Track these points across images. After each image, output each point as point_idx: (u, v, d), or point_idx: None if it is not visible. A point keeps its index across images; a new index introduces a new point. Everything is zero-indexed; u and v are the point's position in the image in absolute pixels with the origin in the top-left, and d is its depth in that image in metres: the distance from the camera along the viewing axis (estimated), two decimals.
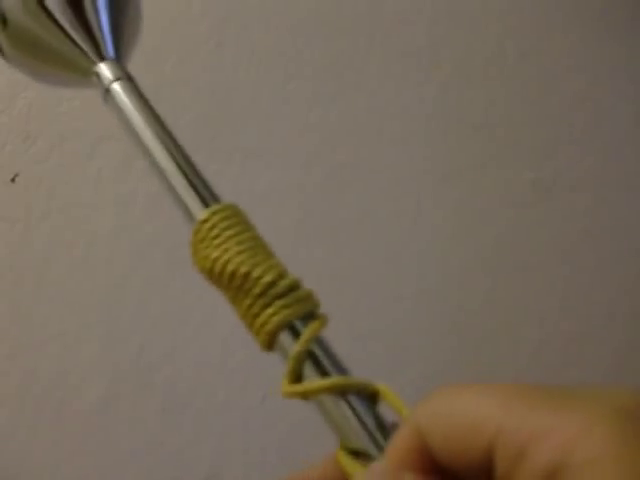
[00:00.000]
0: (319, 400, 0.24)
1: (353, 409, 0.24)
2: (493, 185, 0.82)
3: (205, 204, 0.29)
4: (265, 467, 0.68)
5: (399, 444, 0.21)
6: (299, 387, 0.24)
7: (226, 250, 0.27)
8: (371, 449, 0.23)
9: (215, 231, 0.27)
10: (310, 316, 0.27)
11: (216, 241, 0.27)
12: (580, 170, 0.85)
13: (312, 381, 0.25)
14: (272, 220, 0.75)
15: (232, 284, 0.26)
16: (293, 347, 0.25)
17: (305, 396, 0.24)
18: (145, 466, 0.67)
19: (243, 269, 0.26)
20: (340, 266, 0.75)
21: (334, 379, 0.25)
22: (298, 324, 0.26)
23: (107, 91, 0.33)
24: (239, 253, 0.27)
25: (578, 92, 0.87)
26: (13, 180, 0.67)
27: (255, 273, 0.26)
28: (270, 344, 0.26)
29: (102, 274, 0.67)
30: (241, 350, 0.70)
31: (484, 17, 0.86)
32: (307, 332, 0.25)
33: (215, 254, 0.27)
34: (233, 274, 0.26)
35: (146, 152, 0.31)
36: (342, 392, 0.24)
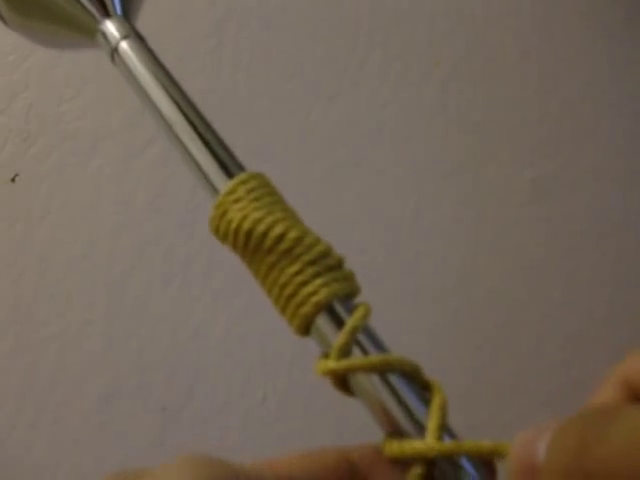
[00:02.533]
0: (365, 381, 0.22)
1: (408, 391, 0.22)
2: (493, 184, 0.82)
3: (231, 170, 0.26)
4: None
5: (604, 396, 0.20)
6: (355, 360, 0.22)
7: (270, 212, 0.24)
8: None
9: (254, 194, 0.25)
10: (351, 298, 0.25)
11: (257, 203, 0.24)
12: (580, 169, 0.85)
13: (367, 357, 0.22)
14: None
15: (277, 248, 0.23)
16: (343, 324, 0.23)
17: (355, 369, 0.22)
18: (145, 466, 0.67)
19: (293, 233, 0.24)
20: None
21: (391, 356, 0.22)
22: (339, 307, 0.24)
23: (114, 51, 0.30)
24: (285, 218, 0.24)
25: (578, 92, 0.87)
26: (13, 180, 0.67)
27: (308, 240, 0.24)
28: (312, 318, 0.23)
29: (102, 274, 0.67)
30: (241, 350, 0.70)
31: (484, 17, 0.86)
32: (361, 309, 0.24)
33: (258, 215, 0.24)
34: (281, 237, 0.23)
35: (159, 115, 0.28)
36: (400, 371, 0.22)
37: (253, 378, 0.70)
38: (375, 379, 0.23)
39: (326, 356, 0.23)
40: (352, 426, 0.73)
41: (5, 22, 0.37)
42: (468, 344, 0.78)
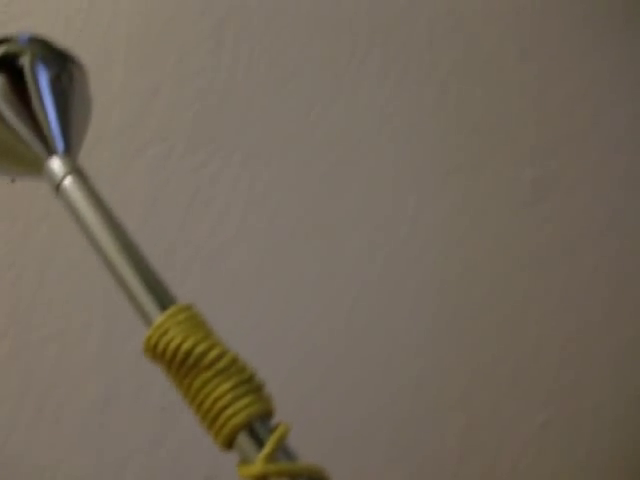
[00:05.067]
0: None
1: None
2: (493, 184, 0.82)
3: (162, 305, 0.28)
4: None
5: None
6: (276, 466, 0.25)
7: (207, 336, 0.27)
8: None
9: (192, 321, 0.28)
10: (269, 418, 0.27)
11: (195, 328, 0.27)
12: (580, 169, 0.85)
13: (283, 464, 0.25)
14: (272, 219, 0.75)
15: (214, 367, 0.26)
16: (261, 443, 0.26)
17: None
18: (145, 466, 0.67)
19: (231, 354, 0.27)
20: (339, 265, 0.75)
21: (303, 464, 0.26)
22: (258, 426, 0.26)
23: (57, 188, 0.33)
24: (219, 343, 0.28)
25: (578, 92, 0.87)
26: (13, 180, 0.67)
27: (239, 362, 0.27)
28: (234, 436, 0.26)
29: (101, 274, 0.67)
30: (240, 350, 0.70)
31: (484, 17, 0.86)
32: (281, 429, 0.26)
33: (198, 336, 0.27)
34: (219, 357, 0.26)
35: (98, 248, 0.30)
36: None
37: None
38: None
39: (247, 463, 0.26)
40: (352, 425, 0.73)
41: None
42: (468, 344, 0.78)
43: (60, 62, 0.37)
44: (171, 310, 0.28)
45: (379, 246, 0.77)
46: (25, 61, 0.34)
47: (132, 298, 0.29)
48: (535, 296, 0.81)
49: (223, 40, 0.76)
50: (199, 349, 0.26)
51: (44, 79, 0.35)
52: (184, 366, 0.26)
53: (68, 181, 0.32)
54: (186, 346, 0.26)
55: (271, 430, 0.26)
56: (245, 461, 0.26)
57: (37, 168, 0.34)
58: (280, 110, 0.76)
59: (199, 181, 0.72)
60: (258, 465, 0.24)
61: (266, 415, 0.26)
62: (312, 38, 0.79)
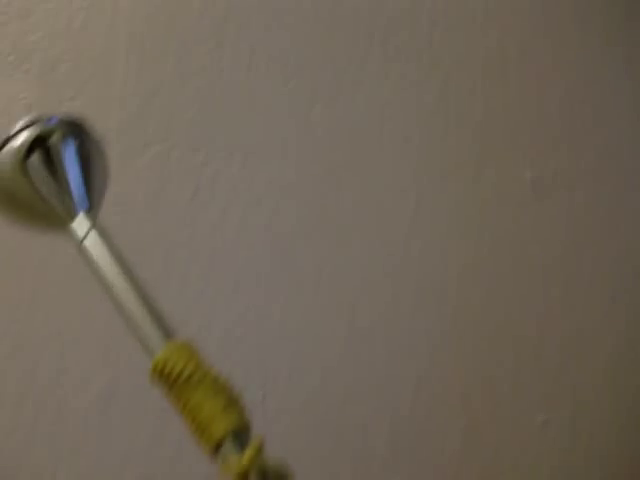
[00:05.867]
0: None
1: None
2: (492, 184, 0.82)
3: (167, 338, 0.36)
4: None
5: None
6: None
7: (201, 364, 0.35)
8: None
9: (190, 351, 0.36)
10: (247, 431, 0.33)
11: (195, 358, 0.35)
12: (579, 169, 0.85)
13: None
14: (271, 219, 0.75)
15: (211, 386, 0.33)
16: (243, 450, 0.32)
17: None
18: (145, 466, 0.67)
19: (223, 378, 0.34)
20: (339, 265, 0.75)
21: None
22: (237, 438, 0.33)
23: (80, 245, 0.39)
24: (210, 370, 0.35)
25: (577, 92, 0.87)
26: None
27: (228, 384, 0.35)
28: (219, 445, 0.32)
29: None
30: (241, 350, 0.70)
31: (484, 17, 0.86)
32: (257, 440, 0.33)
33: (196, 362, 0.34)
34: (216, 378, 0.34)
35: (112, 294, 0.38)
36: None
37: (253, 378, 0.70)
38: None
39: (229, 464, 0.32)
40: (352, 426, 0.73)
41: None
42: (468, 344, 0.78)
43: (82, 136, 0.44)
44: (175, 342, 0.35)
45: (379, 246, 0.77)
46: (54, 140, 0.42)
47: (143, 335, 0.36)
48: (535, 296, 0.81)
49: (223, 40, 0.76)
50: (198, 372, 0.33)
51: (70, 153, 0.42)
52: (185, 384, 0.33)
53: (89, 241, 0.39)
54: (188, 368, 0.33)
55: (249, 441, 0.32)
56: (227, 464, 0.32)
57: (62, 227, 0.41)
58: (280, 110, 0.76)
59: (199, 181, 0.72)
60: (238, 464, 0.31)
61: (245, 428, 0.33)
62: (312, 38, 0.79)
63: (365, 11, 0.82)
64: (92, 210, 0.41)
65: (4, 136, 0.42)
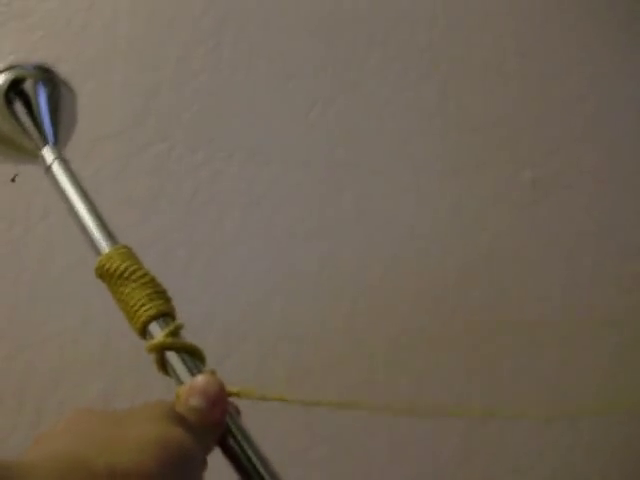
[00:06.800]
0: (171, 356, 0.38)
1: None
2: (493, 184, 0.82)
3: (111, 243, 0.42)
4: None
5: None
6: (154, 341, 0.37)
7: (136, 262, 0.41)
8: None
9: (128, 253, 0.42)
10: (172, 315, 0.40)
11: (133, 258, 0.41)
12: (579, 169, 0.85)
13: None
14: (271, 219, 0.75)
15: (139, 280, 0.40)
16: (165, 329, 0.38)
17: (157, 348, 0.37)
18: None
19: (151, 275, 0.40)
20: (339, 265, 0.75)
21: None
22: (162, 320, 0.38)
23: (48, 169, 0.46)
24: (142, 266, 0.41)
25: (578, 91, 0.87)
26: (13, 180, 0.67)
27: (157, 280, 0.41)
28: (146, 326, 0.38)
29: None
30: (241, 350, 0.70)
31: (484, 17, 0.86)
32: (176, 323, 0.39)
33: (130, 261, 0.41)
34: (144, 274, 0.40)
35: (71, 209, 0.44)
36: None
37: (253, 378, 0.70)
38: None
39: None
40: (352, 425, 0.73)
41: None
42: (468, 344, 0.78)
43: (54, 82, 0.51)
44: (116, 246, 0.42)
45: (379, 246, 0.77)
46: (29, 83, 0.49)
47: (92, 240, 0.43)
48: (535, 296, 0.81)
49: (223, 40, 0.76)
50: (131, 268, 0.40)
51: (42, 95, 0.50)
52: (120, 279, 0.40)
53: (55, 165, 0.46)
54: (123, 266, 0.40)
55: (170, 323, 0.38)
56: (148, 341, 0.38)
57: (34, 155, 0.48)
58: (280, 110, 0.76)
59: (199, 181, 0.72)
60: (158, 339, 0.37)
61: (169, 314, 0.39)
62: (312, 38, 0.79)
63: (365, 11, 0.82)
64: (58, 145, 0.48)
65: None
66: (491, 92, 0.84)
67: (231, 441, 0.35)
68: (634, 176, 0.86)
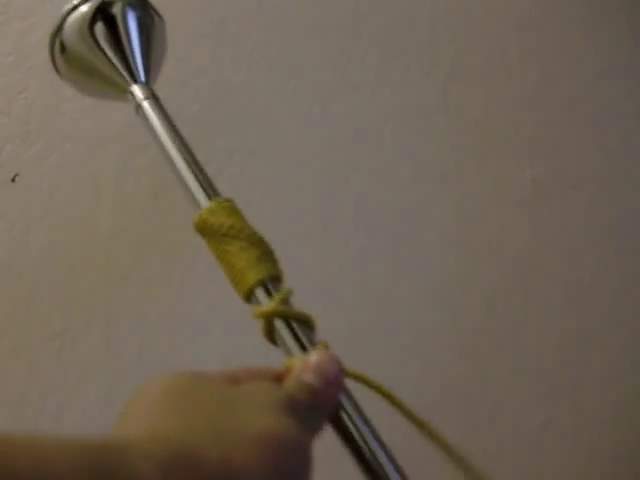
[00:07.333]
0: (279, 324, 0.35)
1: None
2: (493, 183, 0.82)
3: (210, 193, 0.38)
4: None
5: None
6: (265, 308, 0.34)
7: (242, 219, 0.38)
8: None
9: (233, 208, 0.38)
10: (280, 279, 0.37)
11: (238, 214, 0.38)
12: (580, 168, 0.85)
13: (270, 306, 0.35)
14: (271, 219, 0.75)
15: (249, 239, 0.36)
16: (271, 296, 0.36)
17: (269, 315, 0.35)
18: None
19: (259, 235, 0.38)
20: (339, 265, 0.75)
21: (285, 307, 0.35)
22: (270, 284, 0.36)
23: (138, 107, 0.43)
24: (248, 226, 0.38)
25: (578, 91, 0.87)
26: (13, 180, 0.67)
27: (265, 241, 0.38)
28: (253, 291, 0.36)
29: (102, 274, 0.67)
30: (241, 350, 0.70)
31: (484, 17, 0.86)
32: (285, 289, 0.36)
33: (237, 217, 0.38)
34: (253, 234, 0.37)
35: (165, 154, 0.41)
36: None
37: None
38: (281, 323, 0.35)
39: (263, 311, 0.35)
40: None
41: (62, 76, 0.49)
42: (468, 344, 0.78)
43: (144, 10, 0.47)
44: (219, 199, 0.38)
45: (379, 245, 0.77)
46: (118, 8, 0.45)
47: (189, 191, 0.39)
48: (535, 296, 0.81)
49: (223, 40, 0.76)
50: (237, 225, 0.36)
51: (133, 22, 0.45)
52: (226, 237, 0.36)
53: (146, 103, 0.43)
54: (229, 222, 0.36)
55: (279, 289, 0.36)
56: (256, 307, 0.35)
57: (123, 92, 0.45)
58: (280, 110, 0.76)
59: None
60: (271, 305, 0.34)
61: (279, 277, 0.36)
62: (312, 38, 0.79)
63: (365, 11, 0.82)
64: (149, 83, 0.45)
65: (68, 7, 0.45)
66: (491, 91, 0.84)
67: (345, 418, 0.32)
68: (634, 175, 0.86)
